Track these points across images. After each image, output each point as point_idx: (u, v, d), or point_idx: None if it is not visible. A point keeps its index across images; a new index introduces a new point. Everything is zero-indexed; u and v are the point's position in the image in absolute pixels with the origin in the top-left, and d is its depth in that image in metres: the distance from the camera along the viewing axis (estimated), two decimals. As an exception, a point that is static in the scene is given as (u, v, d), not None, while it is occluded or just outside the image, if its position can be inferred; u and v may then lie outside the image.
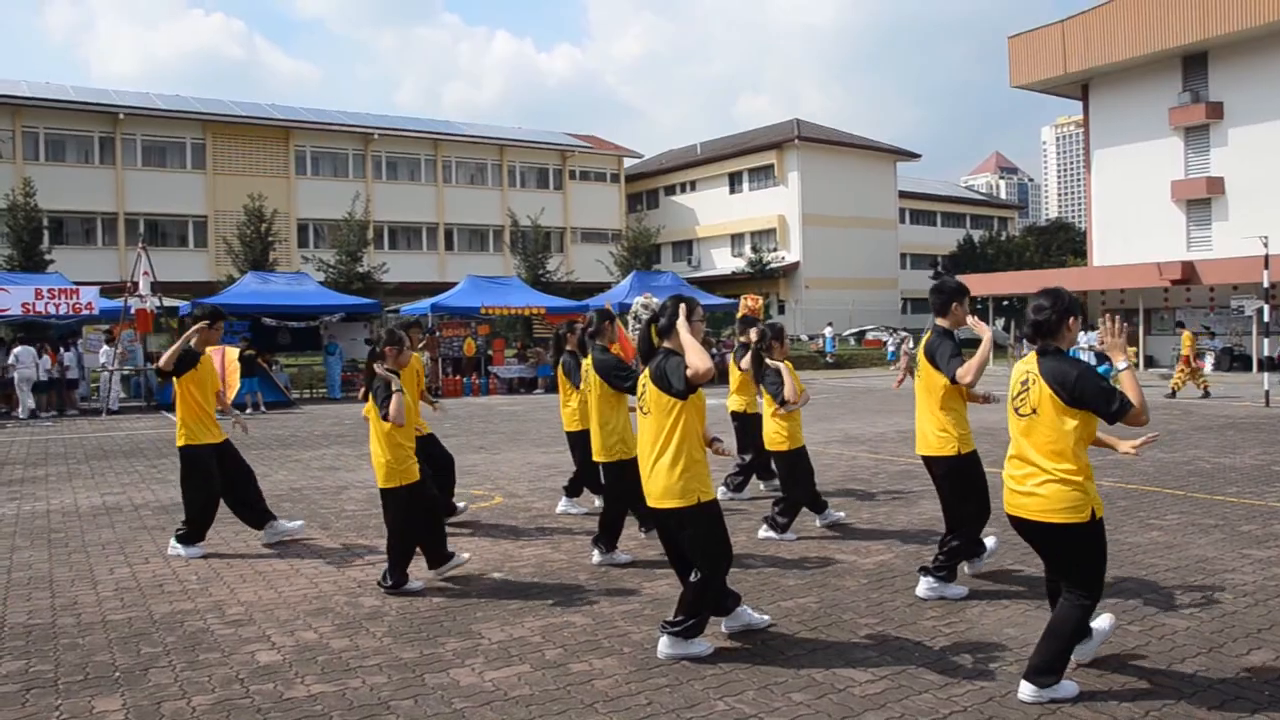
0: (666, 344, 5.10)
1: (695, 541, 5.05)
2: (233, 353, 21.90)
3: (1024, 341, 5.02)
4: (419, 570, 6.70)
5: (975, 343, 6.26)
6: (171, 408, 22.36)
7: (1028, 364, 4.48)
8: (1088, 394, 4.22)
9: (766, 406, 8.07)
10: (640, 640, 5.34)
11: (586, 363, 7.30)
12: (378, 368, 6.42)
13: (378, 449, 6.42)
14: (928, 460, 6.29)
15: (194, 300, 26.69)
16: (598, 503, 9.29)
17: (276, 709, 4.45)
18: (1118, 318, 4.59)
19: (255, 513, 8.01)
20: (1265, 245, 20.80)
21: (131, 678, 4.88)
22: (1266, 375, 20.05)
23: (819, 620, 5.68)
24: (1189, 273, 31.07)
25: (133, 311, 22.96)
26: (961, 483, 6.16)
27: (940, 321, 6.18)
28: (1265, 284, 20.76)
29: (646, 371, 5.12)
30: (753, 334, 8.73)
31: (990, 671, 4.77)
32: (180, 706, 4.50)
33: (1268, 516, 8.38)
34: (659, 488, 5.02)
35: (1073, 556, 4.43)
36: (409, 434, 6.54)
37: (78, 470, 12.77)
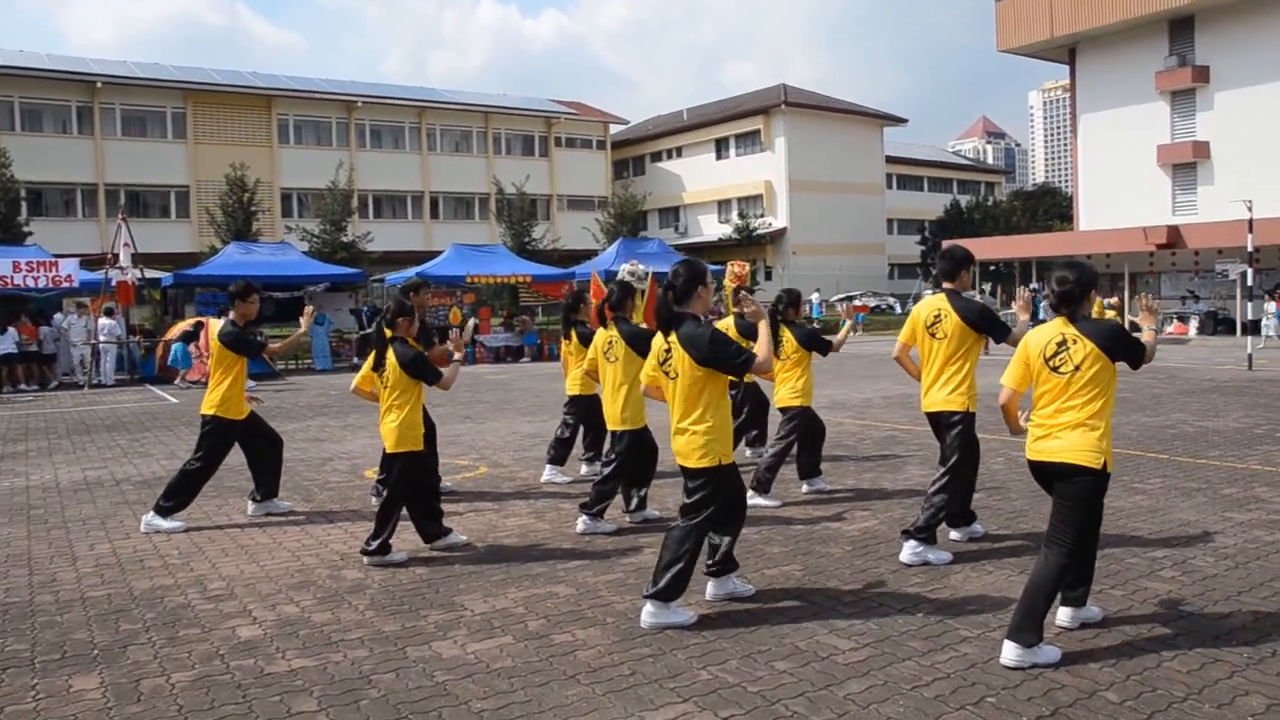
0: (685, 309, 5.18)
1: (719, 499, 5.16)
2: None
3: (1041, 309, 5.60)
4: (403, 542, 6.66)
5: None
6: (153, 380, 22.27)
7: (1059, 327, 4.77)
8: (1126, 348, 4.70)
9: (782, 372, 8.19)
10: (624, 610, 5.32)
11: (611, 333, 7.42)
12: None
13: (397, 414, 6.55)
14: (941, 415, 6.33)
15: (176, 272, 26.52)
16: (584, 470, 9.30)
17: (257, 684, 4.42)
18: (1149, 295, 5.15)
19: (272, 480, 8.10)
20: (1250, 210, 20.81)
21: (110, 655, 4.84)
22: (1250, 339, 20.12)
23: (803, 588, 5.67)
24: (1174, 237, 31.10)
25: (113, 284, 22.74)
26: (969, 438, 6.27)
27: (949, 285, 6.36)
28: (1249, 248, 20.81)
29: (674, 336, 5.15)
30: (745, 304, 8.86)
31: (973, 638, 4.77)
32: (159, 684, 4.46)
33: (1249, 479, 8.41)
34: (684, 445, 5.16)
35: (1072, 504, 4.62)
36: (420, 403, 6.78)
37: (58, 445, 12.68)
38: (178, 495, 7.64)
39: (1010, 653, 4.42)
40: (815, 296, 41.13)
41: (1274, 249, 29.48)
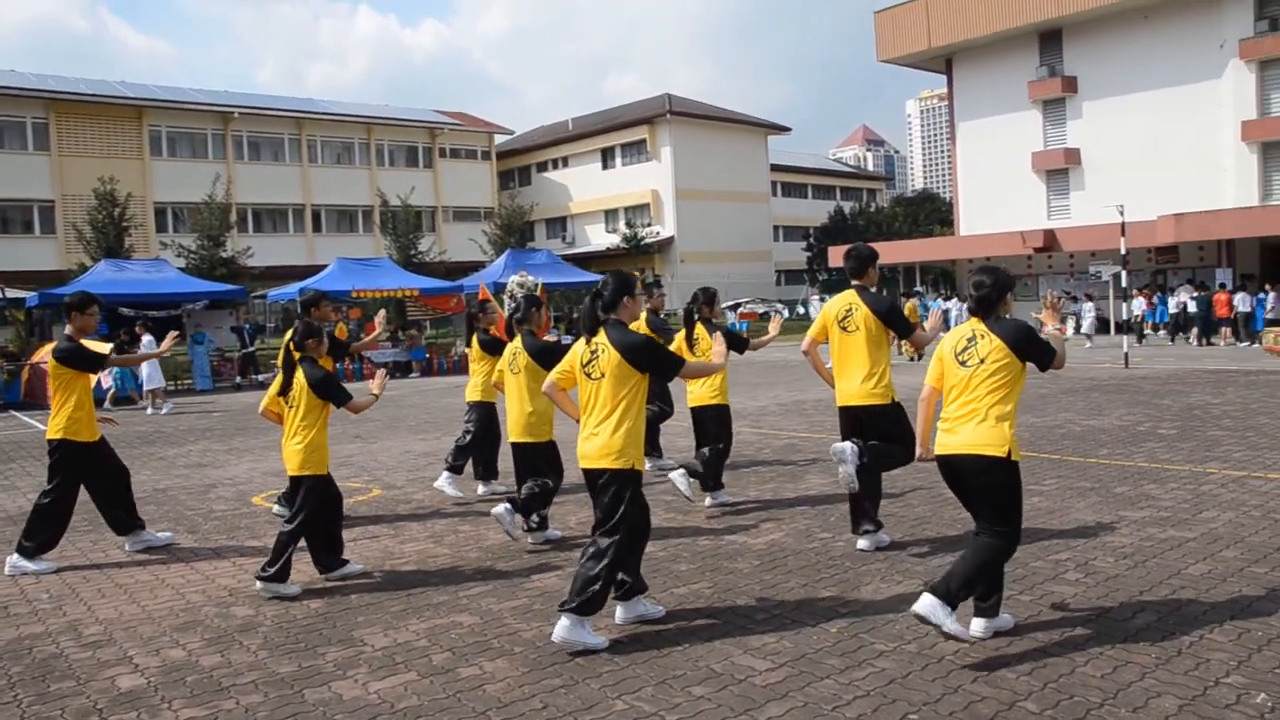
0: (614, 315, 5.26)
1: (626, 506, 5.09)
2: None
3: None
4: (296, 574, 6.32)
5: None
6: (18, 406, 21.11)
7: (971, 325, 4.91)
8: (1033, 348, 4.79)
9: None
10: (531, 638, 5.13)
11: (515, 345, 7.44)
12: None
13: (303, 436, 6.38)
14: (861, 408, 6.46)
15: (41, 291, 25.26)
16: (482, 489, 9.08)
17: (139, 739, 4.10)
18: (1053, 292, 5.18)
19: (125, 516, 7.50)
20: (1121, 213, 21.61)
21: (-28, 715, 4.44)
22: (1125, 338, 20.88)
23: (713, 606, 5.56)
24: (1050, 240, 32.23)
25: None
26: (901, 420, 6.45)
27: (857, 282, 6.53)
28: (1122, 250, 21.59)
29: (603, 337, 5.18)
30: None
31: (889, 651, 4.71)
32: (29, 744, 4.10)
33: (1137, 477, 8.63)
34: (597, 448, 5.11)
35: (993, 490, 4.75)
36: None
37: (-85, 479, 11.84)
38: (37, 534, 7.09)
39: (976, 626, 4.73)
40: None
41: (1142, 251, 30.76)
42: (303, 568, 6.46)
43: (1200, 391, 15.07)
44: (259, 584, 6.14)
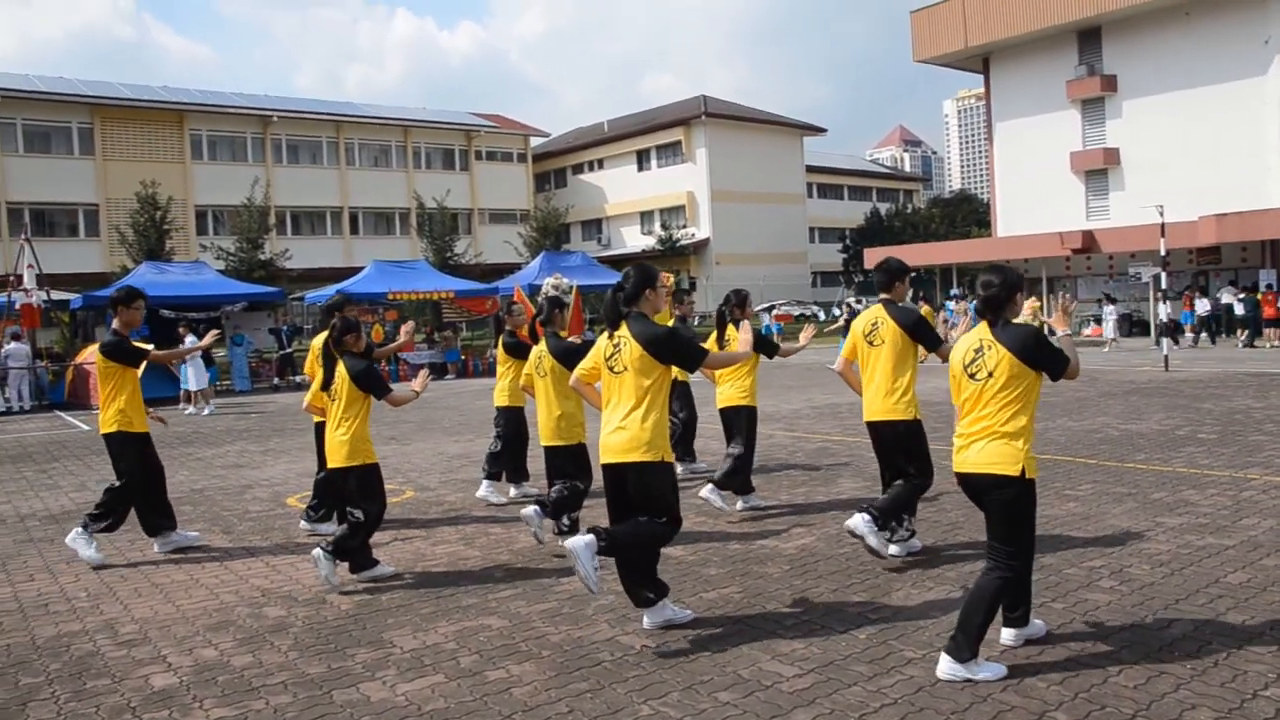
0: (636, 308, 5.27)
1: (654, 494, 5.12)
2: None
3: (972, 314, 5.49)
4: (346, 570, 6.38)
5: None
6: (63, 406, 21.46)
7: (979, 334, 4.72)
8: (1043, 356, 4.57)
9: (728, 373, 8.25)
10: (559, 642, 5.14)
11: (541, 348, 7.45)
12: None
13: (347, 428, 6.45)
14: (885, 424, 6.41)
15: (85, 293, 25.64)
16: (514, 492, 9.10)
17: (170, 739, 4.15)
18: (1066, 294, 5.00)
19: (156, 516, 7.60)
20: (1161, 214, 21.33)
21: (7, 715, 4.50)
22: (1165, 340, 20.59)
23: (743, 611, 5.54)
24: (1089, 242, 31.83)
25: (17, 306, 21.88)
26: (920, 442, 6.40)
27: (885, 296, 6.48)
28: (1161, 251, 21.30)
29: (625, 330, 5.21)
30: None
31: (918, 659, 4.67)
32: (63, 742, 4.16)
33: (1175, 482, 8.51)
34: (624, 441, 5.11)
35: (1002, 514, 4.59)
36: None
37: (-40, 478, 12.06)
38: (107, 515, 7.34)
39: (943, 665, 4.44)
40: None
41: (1183, 252, 30.33)
42: (339, 571, 6.50)
43: (1242, 395, 14.83)
44: (354, 577, 6.45)
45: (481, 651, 5.06)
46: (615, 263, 44.77)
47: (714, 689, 4.43)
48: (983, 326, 4.74)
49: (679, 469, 9.82)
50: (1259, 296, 26.18)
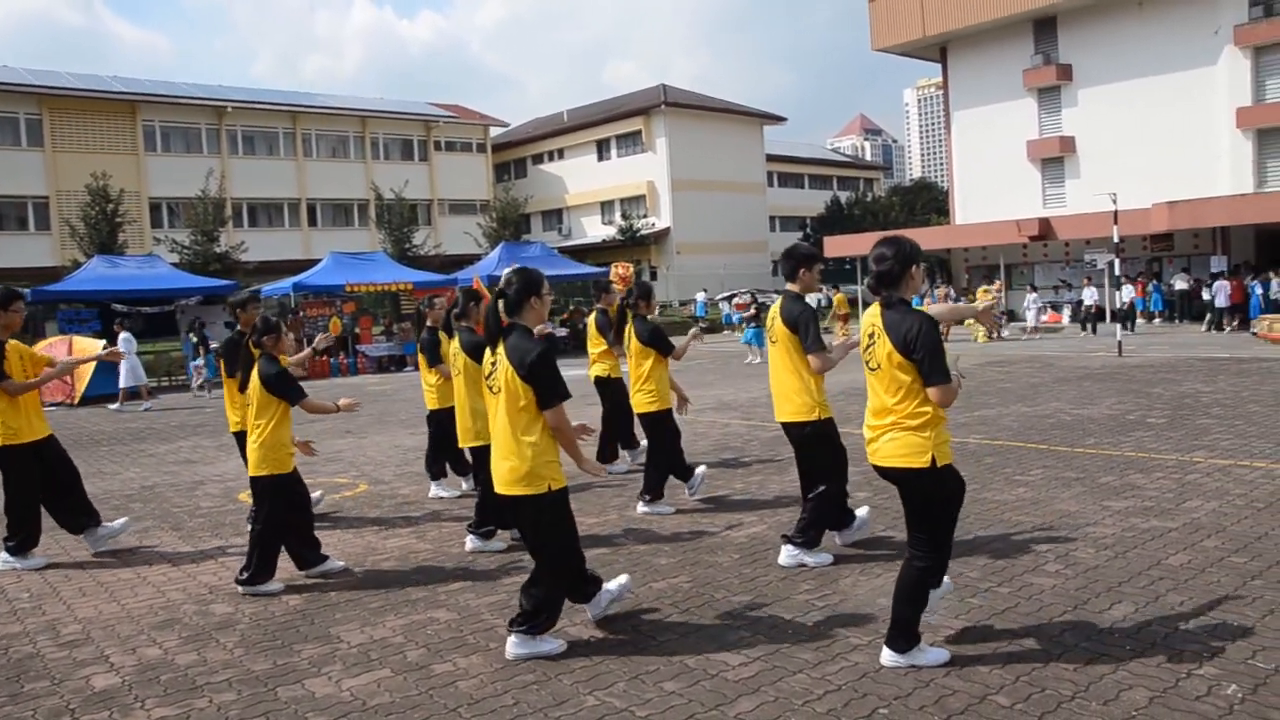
0: (517, 320, 4.82)
1: (545, 531, 4.80)
2: (84, 343, 20.72)
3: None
4: (278, 571, 6.31)
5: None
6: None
7: (873, 317, 4.43)
8: (921, 356, 4.20)
9: (631, 371, 7.96)
10: (506, 634, 5.11)
11: (454, 344, 7.13)
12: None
13: (258, 434, 6.21)
14: (790, 425, 6.20)
15: (35, 287, 25.20)
16: (465, 485, 9.03)
17: (109, 739, 4.09)
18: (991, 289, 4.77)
19: (74, 516, 7.38)
20: (1114, 201, 21.56)
21: (-58, 716, 4.44)
22: (1118, 326, 20.85)
23: (691, 601, 5.54)
24: (1045, 229, 32.12)
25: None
26: (825, 446, 6.13)
27: (791, 287, 6.07)
28: (1115, 238, 21.55)
29: (501, 348, 4.75)
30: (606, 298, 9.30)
31: (863, 645, 4.71)
32: (-1, 744, 4.10)
33: (1123, 466, 8.62)
34: (506, 472, 4.73)
35: (915, 504, 4.45)
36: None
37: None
38: (17, 530, 7.09)
39: (885, 655, 4.44)
40: (701, 295, 41.35)
41: (1137, 239, 30.71)
42: (282, 564, 6.44)
43: (1192, 380, 15.05)
44: (239, 589, 6.12)
45: (429, 645, 5.04)
46: (576, 253, 44.74)
47: (660, 679, 4.44)
48: (875, 307, 4.43)
49: (626, 458, 9.82)
50: (1211, 283, 26.56)
